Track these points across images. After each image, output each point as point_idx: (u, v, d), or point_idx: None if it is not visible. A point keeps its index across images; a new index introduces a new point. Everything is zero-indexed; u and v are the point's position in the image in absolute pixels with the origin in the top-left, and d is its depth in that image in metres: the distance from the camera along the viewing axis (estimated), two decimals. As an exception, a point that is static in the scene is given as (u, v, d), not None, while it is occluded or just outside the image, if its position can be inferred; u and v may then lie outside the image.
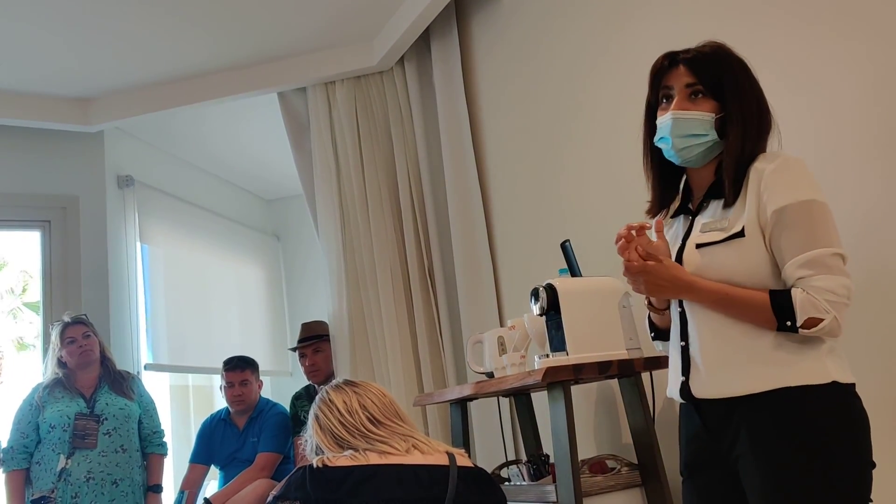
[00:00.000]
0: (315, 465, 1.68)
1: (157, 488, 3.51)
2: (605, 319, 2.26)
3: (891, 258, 1.82)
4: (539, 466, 2.50)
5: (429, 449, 1.77)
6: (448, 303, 3.55)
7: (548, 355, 2.22)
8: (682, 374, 1.62)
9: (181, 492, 3.65)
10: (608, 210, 2.72)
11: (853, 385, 1.49)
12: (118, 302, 4.18)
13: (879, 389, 1.77)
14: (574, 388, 2.43)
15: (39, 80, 3.85)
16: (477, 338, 2.68)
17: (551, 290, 2.22)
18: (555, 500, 2.22)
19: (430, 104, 3.67)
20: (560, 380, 2.13)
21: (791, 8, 2.06)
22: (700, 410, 1.60)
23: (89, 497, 3.25)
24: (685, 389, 1.61)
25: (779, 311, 1.47)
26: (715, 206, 1.61)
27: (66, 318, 3.50)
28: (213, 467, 3.88)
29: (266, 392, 4.42)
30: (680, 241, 1.65)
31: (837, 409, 1.45)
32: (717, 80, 1.59)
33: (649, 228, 1.63)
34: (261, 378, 3.97)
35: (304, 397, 3.83)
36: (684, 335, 1.63)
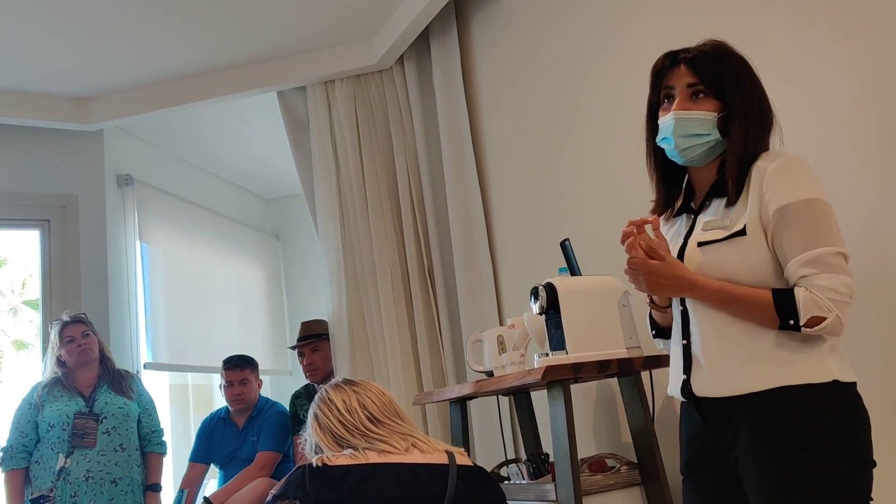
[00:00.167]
0: (314, 464, 1.68)
1: (157, 487, 3.51)
2: (604, 318, 2.26)
3: (892, 257, 1.82)
4: (539, 465, 2.50)
5: (428, 448, 1.77)
6: (448, 302, 3.54)
7: (547, 354, 2.22)
8: (684, 373, 1.62)
9: (180, 491, 3.64)
10: (608, 209, 2.71)
11: (854, 384, 1.49)
12: (117, 301, 4.18)
13: (880, 388, 1.77)
14: (573, 387, 2.42)
15: (39, 79, 3.85)
16: (476, 337, 2.68)
17: (551, 289, 2.22)
18: (554, 498, 2.22)
19: (429, 103, 3.66)
20: (559, 378, 2.13)
21: (791, 6, 2.06)
22: (701, 409, 1.60)
23: (88, 496, 3.24)
24: (686, 388, 1.61)
25: (781, 310, 1.47)
26: (717, 205, 1.61)
27: (66, 317, 3.50)
28: (212, 466, 3.88)
29: (266, 391, 4.42)
30: (682, 240, 1.65)
31: (838, 407, 1.45)
32: (719, 79, 1.58)
33: (650, 223, 1.62)
34: (260, 377, 3.96)
35: (303, 396, 3.82)
36: (686, 333, 1.63)
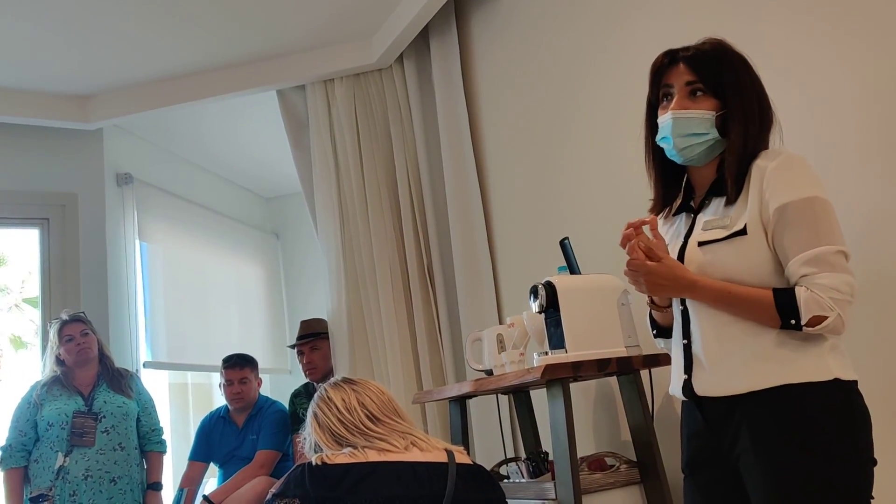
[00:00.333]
0: (314, 463, 1.68)
1: (157, 486, 3.51)
2: (604, 317, 2.26)
3: (892, 256, 1.82)
4: (538, 464, 2.50)
5: (428, 446, 1.77)
6: (447, 300, 3.54)
7: (547, 353, 2.22)
8: (685, 372, 1.62)
9: (180, 489, 3.65)
10: (607, 208, 2.71)
11: (855, 382, 1.49)
12: (117, 300, 4.18)
13: (881, 386, 1.77)
14: (573, 386, 2.43)
15: (38, 78, 3.85)
16: (476, 335, 2.68)
17: (550, 288, 2.22)
18: (554, 497, 2.22)
19: (429, 102, 3.66)
20: (559, 377, 2.13)
21: (791, 5, 2.06)
22: (702, 408, 1.60)
23: (87, 495, 3.24)
24: (687, 387, 1.61)
25: (783, 310, 1.46)
26: (717, 204, 1.60)
27: (65, 316, 3.50)
28: (212, 465, 3.88)
29: (265, 390, 4.42)
30: (682, 240, 1.65)
31: (839, 406, 1.45)
32: (718, 77, 1.58)
33: (648, 224, 1.62)
34: (260, 376, 3.96)
35: (303, 395, 3.82)
36: (686, 333, 1.63)
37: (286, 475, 1.70)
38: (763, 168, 1.52)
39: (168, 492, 3.70)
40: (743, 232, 1.52)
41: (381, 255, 3.64)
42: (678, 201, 1.73)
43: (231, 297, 5.17)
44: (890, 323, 1.82)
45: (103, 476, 3.29)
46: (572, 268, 2.41)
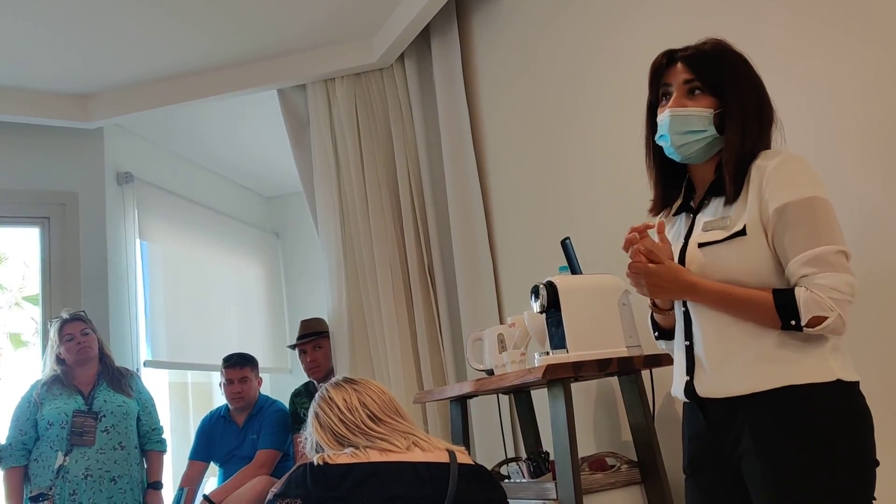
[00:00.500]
0: (315, 463, 1.68)
1: (157, 485, 3.51)
2: (605, 317, 2.26)
3: (893, 256, 1.82)
4: (539, 464, 2.50)
5: (429, 446, 1.77)
6: (448, 300, 3.54)
7: (548, 353, 2.22)
8: (687, 374, 1.62)
9: (180, 489, 3.64)
10: (609, 207, 2.71)
11: (857, 383, 1.49)
12: (117, 299, 4.18)
13: (883, 387, 1.77)
14: (574, 386, 2.42)
15: (39, 77, 3.85)
16: (477, 335, 2.68)
17: (551, 288, 2.22)
18: (555, 497, 2.22)
19: (430, 101, 3.66)
20: (560, 377, 2.13)
21: (792, 5, 2.06)
22: (704, 409, 1.60)
23: (87, 494, 3.24)
24: (689, 389, 1.61)
25: (783, 311, 1.46)
26: (716, 204, 1.60)
27: (65, 315, 3.49)
28: (212, 464, 3.88)
29: (265, 389, 4.41)
30: (682, 240, 1.65)
31: (841, 407, 1.45)
32: (716, 76, 1.58)
33: (652, 228, 1.62)
34: (260, 375, 3.96)
35: (303, 394, 3.82)
36: (688, 334, 1.63)
37: (287, 475, 1.70)
38: (762, 168, 1.52)
39: (168, 491, 3.69)
40: (742, 233, 1.52)
41: (382, 255, 3.64)
42: (679, 202, 1.73)
43: (231, 296, 5.17)
44: (891, 323, 1.82)
45: (103, 475, 3.29)
46: (573, 268, 2.41)
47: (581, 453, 2.36)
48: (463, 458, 1.78)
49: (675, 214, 1.73)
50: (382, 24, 3.64)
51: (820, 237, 1.46)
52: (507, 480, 2.59)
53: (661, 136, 1.62)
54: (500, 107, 3.35)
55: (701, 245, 1.58)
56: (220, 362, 3.87)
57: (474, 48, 3.52)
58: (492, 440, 3.20)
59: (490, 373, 2.57)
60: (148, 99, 4.00)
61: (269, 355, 5.36)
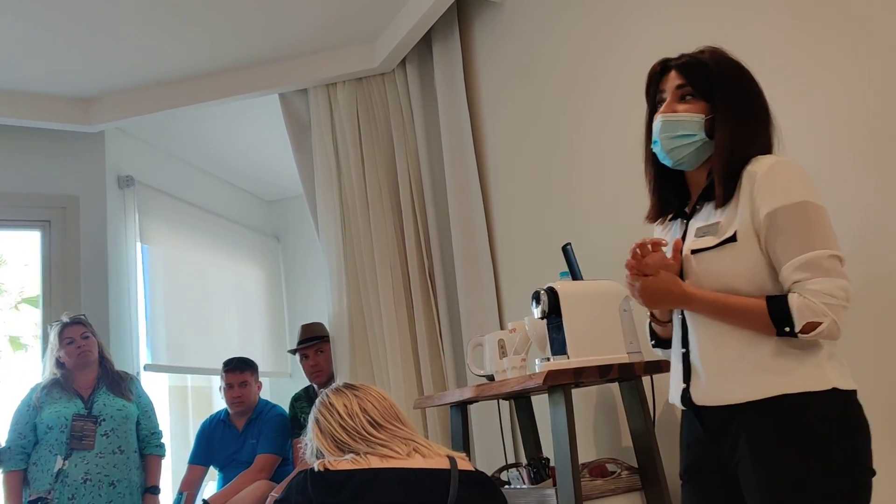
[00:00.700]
0: (316, 469, 1.68)
1: (155, 490, 3.50)
2: (605, 323, 2.26)
3: (889, 261, 1.82)
4: (539, 470, 2.50)
5: (430, 452, 1.77)
6: (448, 305, 3.54)
7: (548, 358, 2.22)
8: (683, 382, 1.62)
9: (179, 493, 3.64)
10: (610, 213, 2.71)
11: (854, 391, 1.48)
12: (117, 302, 4.18)
13: (879, 394, 1.77)
14: (574, 392, 2.42)
15: (40, 80, 3.85)
16: (477, 340, 2.68)
17: (552, 294, 2.22)
18: (555, 503, 2.22)
19: (431, 106, 3.67)
20: (561, 383, 2.13)
21: (791, 11, 2.06)
22: (701, 417, 1.60)
23: (86, 498, 3.23)
24: (686, 396, 1.61)
25: (776, 318, 1.46)
26: (708, 210, 1.60)
27: (65, 319, 3.49)
28: (211, 468, 3.87)
29: (265, 393, 4.42)
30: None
31: (837, 415, 1.45)
32: (709, 81, 1.59)
33: (665, 245, 1.62)
34: (260, 379, 3.96)
35: (303, 399, 3.82)
36: (685, 342, 1.63)
37: (288, 481, 1.70)
38: (754, 174, 1.52)
39: (167, 496, 3.69)
40: (732, 239, 1.52)
41: (383, 259, 3.64)
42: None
43: (231, 300, 5.17)
44: (888, 329, 1.81)
45: (102, 479, 3.29)
46: (574, 273, 2.41)
47: (581, 459, 2.36)
48: (463, 464, 1.78)
49: (671, 220, 1.74)
50: (384, 29, 3.65)
51: (812, 242, 1.45)
52: (507, 486, 2.58)
53: (654, 141, 1.63)
54: (501, 112, 3.36)
55: (694, 252, 1.58)
56: (220, 366, 3.87)
57: (476, 54, 3.52)
58: (492, 446, 3.20)
59: (490, 378, 2.57)
60: (149, 102, 4.01)
61: (269, 359, 5.36)
